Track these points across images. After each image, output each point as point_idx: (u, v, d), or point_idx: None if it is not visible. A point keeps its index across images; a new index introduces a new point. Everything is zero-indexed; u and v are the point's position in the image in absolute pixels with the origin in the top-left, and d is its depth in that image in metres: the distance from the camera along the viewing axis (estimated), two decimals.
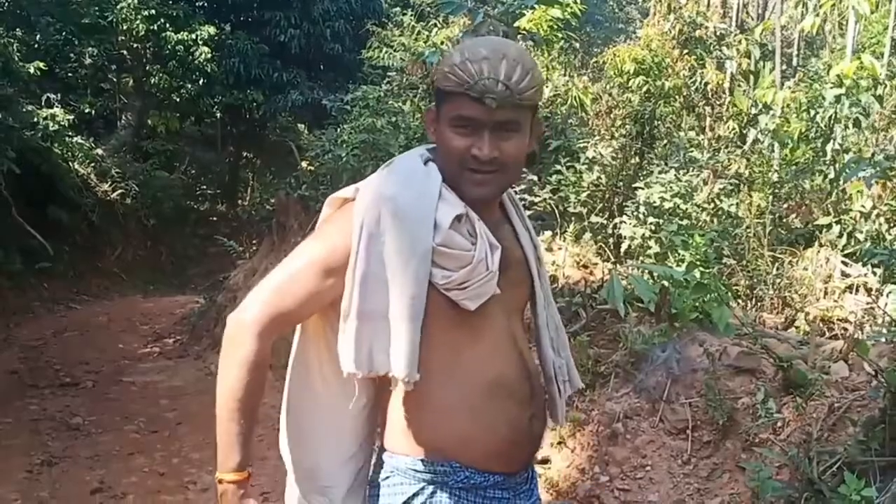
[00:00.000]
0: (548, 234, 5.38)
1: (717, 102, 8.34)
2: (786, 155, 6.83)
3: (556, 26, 6.93)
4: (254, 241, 8.50)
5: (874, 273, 4.92)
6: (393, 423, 1.53)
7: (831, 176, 6.03)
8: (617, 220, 5.64)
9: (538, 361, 1.66)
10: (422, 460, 1.49)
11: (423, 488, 1.49)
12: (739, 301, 4.98)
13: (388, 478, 1.52)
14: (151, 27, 12.30)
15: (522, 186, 5.62)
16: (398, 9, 10.67)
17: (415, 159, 1.53)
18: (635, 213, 5.48)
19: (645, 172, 6.10)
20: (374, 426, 1.60)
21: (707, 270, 4.48)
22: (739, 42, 8.52)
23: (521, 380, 1.54)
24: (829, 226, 5.59)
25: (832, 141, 6.08)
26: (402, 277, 1.42)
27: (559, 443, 3.73)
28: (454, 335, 1.48)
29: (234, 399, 1.46)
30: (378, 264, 1.42)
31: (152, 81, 13.43)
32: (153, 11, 12.23)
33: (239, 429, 1.46)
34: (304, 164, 9.59)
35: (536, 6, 6.63)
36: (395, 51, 9.27)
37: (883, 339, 3.45)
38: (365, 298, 1.43)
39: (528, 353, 1.59)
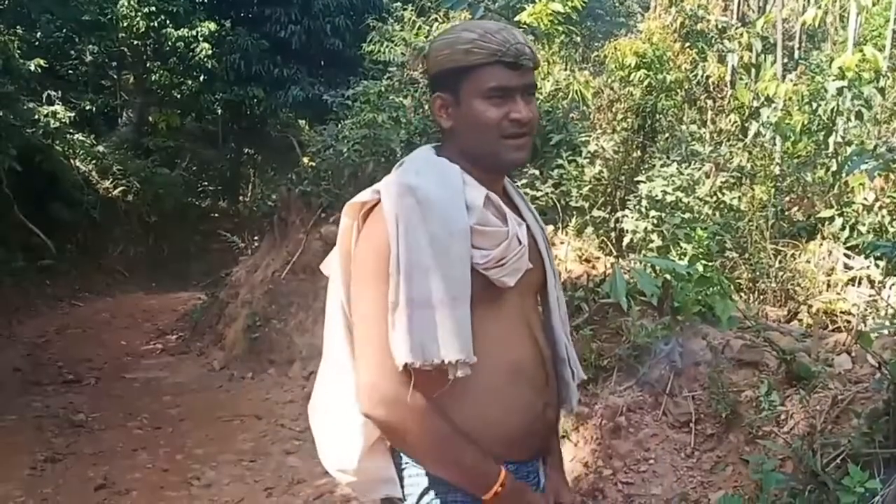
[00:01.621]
0: (550, 228, 5.36)
1: (719, 95, 8.29)
2: (788, 148, 6.81)
3: (556, 20, 6.91)
4: (255, 238, 8.50)
5: (877, 265, 4.90)
6: None
7: (833, 168, 6.01)
8: (619, 213, 5.63)
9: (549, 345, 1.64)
10: None
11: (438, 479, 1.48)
12: (742, 294, 4.97)
13: (404, 469, 1.51)
14: (152, 24, 12.32)
15: (524, 181, 5.61)
16: (398, 4, 10.63)
17: (427, 151, 1.56)
18: (637, 207, 5.47)
19: (647, 166, 6.09)
20: None
21: (709, 264, 4.48)
22: (741, 35, 8.46)
23: (536, 366, 1.54)
24: (831, 218, 5.57)
25: (834, 133, 6.05)
26: (447, 260, 1.40)
27: (562, 437, 3.73)
28: (479, 318, 1.44)
29: (440, 446, 1.42)
30: (419, 252, 1.39)
31: (153, 78, 13.45)
32: (153, 8, 12.25)
33: (468, 453, 1.43)
34: (305, 159, 9.55)
35: (537, 0, 6.62)
36: (395, 46, 9.25)
37: (886, 332, 3.45)
38: (411, 287, 1.38)
39: (542, 340, 1.59)
